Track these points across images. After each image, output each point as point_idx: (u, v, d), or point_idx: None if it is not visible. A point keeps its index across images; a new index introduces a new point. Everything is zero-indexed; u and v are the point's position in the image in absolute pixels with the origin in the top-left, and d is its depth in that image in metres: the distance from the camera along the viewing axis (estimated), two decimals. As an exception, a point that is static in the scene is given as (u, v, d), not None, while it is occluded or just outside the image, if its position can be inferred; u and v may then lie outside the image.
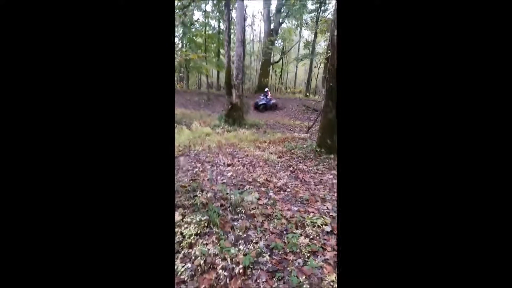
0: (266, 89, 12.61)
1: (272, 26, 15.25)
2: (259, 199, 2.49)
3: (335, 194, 2.78)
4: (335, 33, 4.17)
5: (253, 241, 1.79)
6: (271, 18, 15.24)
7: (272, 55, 16.10)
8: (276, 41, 15.50)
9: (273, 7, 15.47)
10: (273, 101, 11.58)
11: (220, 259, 1.56)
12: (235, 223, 2.00)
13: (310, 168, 3.69)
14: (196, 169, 3.52)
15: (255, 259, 1.59)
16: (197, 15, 16.27)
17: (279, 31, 15.89)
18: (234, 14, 11.26)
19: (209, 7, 15.39)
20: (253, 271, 1.50)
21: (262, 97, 11.66)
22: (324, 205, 2.44)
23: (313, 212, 2.29)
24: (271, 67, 16.84)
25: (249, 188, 2.83)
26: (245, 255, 1.61)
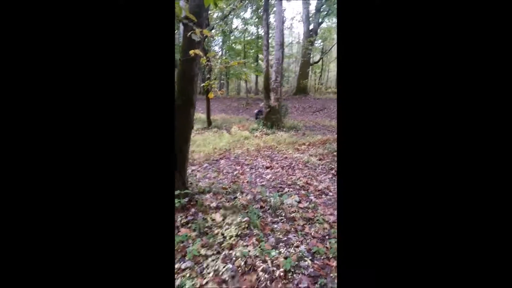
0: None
1: (311, 26, 14.96)
2: (299, 202, 2.44)
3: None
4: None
5: (294, 245, 1.75)
6: (310, 18, 14.97)
7: (311, 55, 15.76)
8: (315, 42, 15.17)
9: (312, 8, 15.21)
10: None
11: (260, 261, 1.56)
12: (275, 226, 1.98)
13: (354, 171, 3.49)
14: (236, 172, 3.60)
15: (296, 263, 1.55)
16: (236, 23, 16.81)
17: (318, 31, 15.52)
18: (272, 18, 11.35)
19: (248, 14, 15.80)
20: (294, 275, 1.46)
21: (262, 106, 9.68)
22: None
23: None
24: (310, 68, 16.48)
25: (288, 191, 2.79)
26: (286, 258, 1.58)
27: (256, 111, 9.62)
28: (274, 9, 8.32)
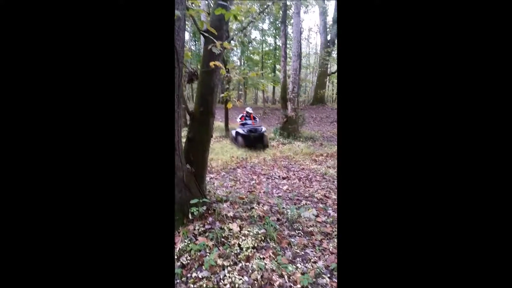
0: (248, 108, 7.15)
1: (329, 37, 14.98)
2: (317, 216, 2.38)
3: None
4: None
5: (312, 260, 1.70)
6: (328, 29, 15.01)
7: (329, 66, 15.68)
8: (333, 52, 15.12)
9: (329, 18, 15.26)
10: (263, 130, 6.09)
11: (277, 276, 1.53)
12: (292, 240, 1.95)
13: (374, 185, 3.37)
14: (253, 181, 3.59)
15: (314, 280, 1.51)
16: (254, 34, 17.16)
17: (336, 41, 15.49)
18: (290, 29, 11.48)
19: (266, 25, 16.10)
20: (312, 293, 1.42)
21: (247, 123, 6.43)
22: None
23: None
24: (328, 78, 16.38)
25: (305, 203, 2.75)
26: (303, 274, 1.54)
27: (233, 132, 6.33)
28: (292, 20, 8.43)
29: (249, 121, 6.52)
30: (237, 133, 6.11)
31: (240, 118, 6.73)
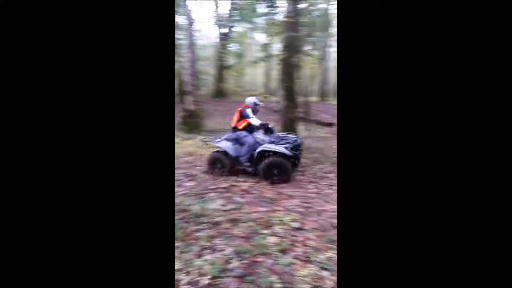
0: (253, 98, 3.54)
1: (225, 30, 15.23)
2: (223, 205, 2.41)
3: (300, 190, 2.83)
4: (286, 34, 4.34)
5: (219, 249, 1.70)
6: (223, 22, 15.22)
7: (226, 59, 16.01)
8: (229, 45, 15.49)
9: (224, 10, 15.47)
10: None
11: (184, 274, 1.45)
12: (199, 234, 1.89)
13: (273, 167, 3.69)
14: (155, 182, 3.28)
15: (223, 267, 1.51)
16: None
17: (232, 35, 15.95)
18: (182, 19, 10.94)
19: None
20: (222, 279, 1.42)
21: (280, 135, 3.45)
22: (290, 202, 2.46)
23: (279, 210, 2.28)
24: (227, 72, 16.75)
25: (213, 195, 2.73)
26: (211, 264, 1.52)
27: (242, 147, 3.32)
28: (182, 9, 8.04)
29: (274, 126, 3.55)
30: (262, 154, 2.97)
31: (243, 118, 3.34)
